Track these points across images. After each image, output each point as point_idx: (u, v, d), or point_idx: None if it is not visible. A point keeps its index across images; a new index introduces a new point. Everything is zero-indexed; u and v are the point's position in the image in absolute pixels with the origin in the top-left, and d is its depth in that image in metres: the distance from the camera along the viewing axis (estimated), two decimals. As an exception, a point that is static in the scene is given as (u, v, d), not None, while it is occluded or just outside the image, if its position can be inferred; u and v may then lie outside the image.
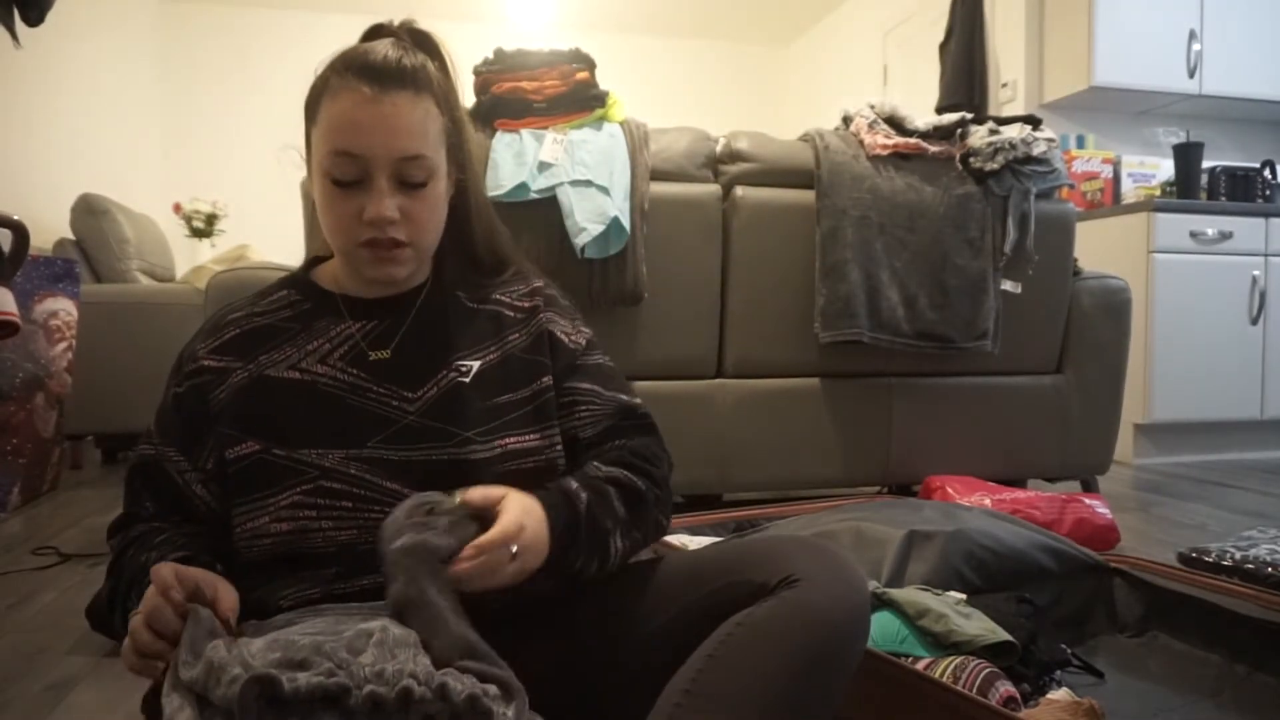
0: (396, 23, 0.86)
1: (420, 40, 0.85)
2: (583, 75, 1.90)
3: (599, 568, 0.78)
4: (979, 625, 1.08)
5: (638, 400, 0.90)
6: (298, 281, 0.88)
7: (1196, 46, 3.41)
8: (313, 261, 0.92)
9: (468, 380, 0.82)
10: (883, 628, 1.09)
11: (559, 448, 0.84)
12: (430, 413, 0.80)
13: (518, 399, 0.83)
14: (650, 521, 0.83)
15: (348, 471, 0.76)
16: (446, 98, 0.82)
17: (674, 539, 1.44)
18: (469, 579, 0.66)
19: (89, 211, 3.18)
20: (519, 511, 0.70)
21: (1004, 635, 1.06)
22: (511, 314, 0.88)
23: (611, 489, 0.80)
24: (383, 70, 0.77)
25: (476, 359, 0.84)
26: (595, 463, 0.83)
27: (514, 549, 0.68)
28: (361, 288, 0.85)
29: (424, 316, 0.85)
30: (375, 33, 0.85)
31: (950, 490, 1.92)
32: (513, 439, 0.81)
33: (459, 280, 0.89)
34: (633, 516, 0.80)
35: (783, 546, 0.76)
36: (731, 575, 0.74)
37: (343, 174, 0.76)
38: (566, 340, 0.89)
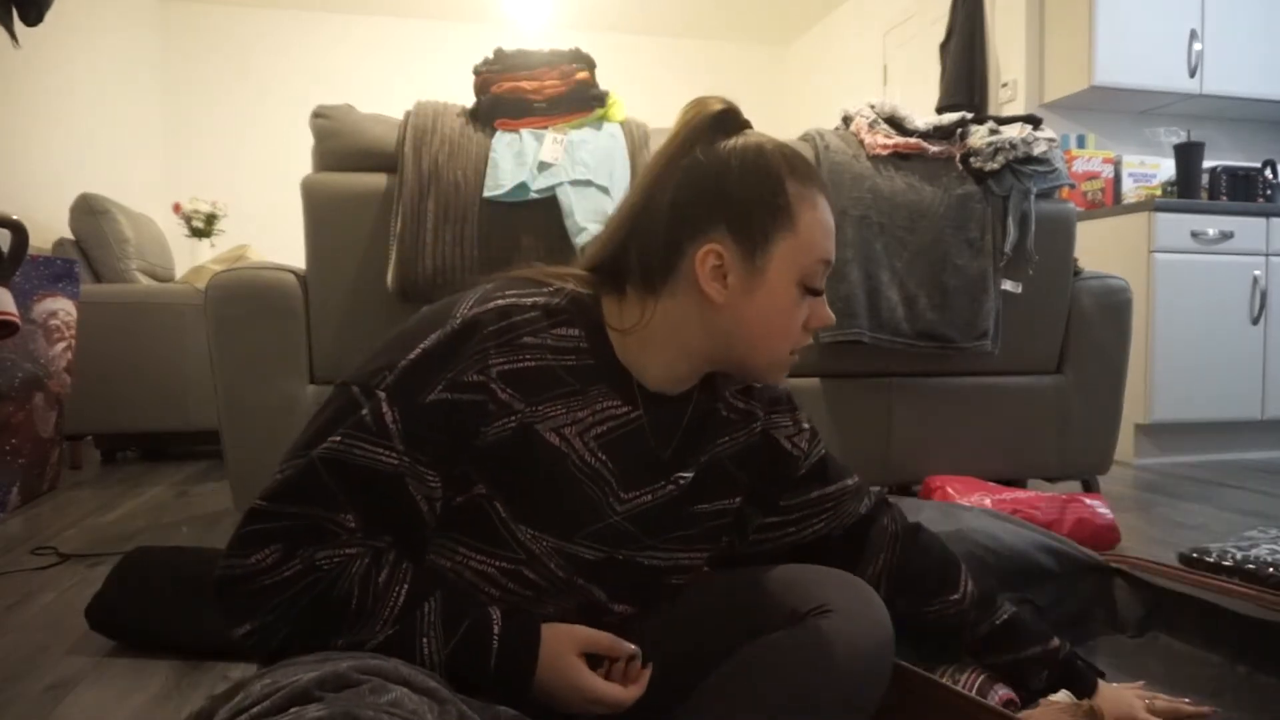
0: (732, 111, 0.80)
1: None
2: (583, 75, 1.90)
3: None
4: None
5: (853, 480, 0.90)
6: (592, 328, 0.74)
7: (1197, 46, 3.41)
8: (598, 291, 0.77)
9: (679, 493, 0.79)
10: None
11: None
12: (635, 519, 0.76)
13: (704, 511, 0.81)
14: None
15: (548, 565, 0.72)
16: None
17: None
18: None
19: (89, 211, 3.18)
20: None
21: None
22: (725, 414, 0.83)
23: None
24: (824, 182, 0.78)
25: (694, 468, 0.80)
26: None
27: None
28: (652, 378, 0.76)
29: (687, 420, 0.80)
30: (735, 123, 0.78)
31: (950, 490, 1.92)
32: (686, 553, 0.80)
33: (709, 381, 0.83)
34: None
35: (812, 575, 0.77)
36: (764, 599, 0.75)
37: (818, 282, 0.75)
38: (791, 448, 0.86)
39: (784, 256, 0.72)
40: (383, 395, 0.65)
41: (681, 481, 0.78)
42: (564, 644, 0.68)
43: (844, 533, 0.88)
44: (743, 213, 0.72)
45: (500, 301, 0.71)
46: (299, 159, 2.10)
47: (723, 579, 0.82)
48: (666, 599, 0.82)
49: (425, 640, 0.65)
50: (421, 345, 0.67)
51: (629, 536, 0.76)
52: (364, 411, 0.65)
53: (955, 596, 0.88)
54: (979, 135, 2.05)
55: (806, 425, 0.89)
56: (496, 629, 0.67)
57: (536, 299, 0.72)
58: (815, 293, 0.75)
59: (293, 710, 0.51)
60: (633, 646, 0.72)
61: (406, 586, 0.66)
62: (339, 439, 0.64)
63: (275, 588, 0.63)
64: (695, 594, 0.81)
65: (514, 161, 1.80)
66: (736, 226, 0.71)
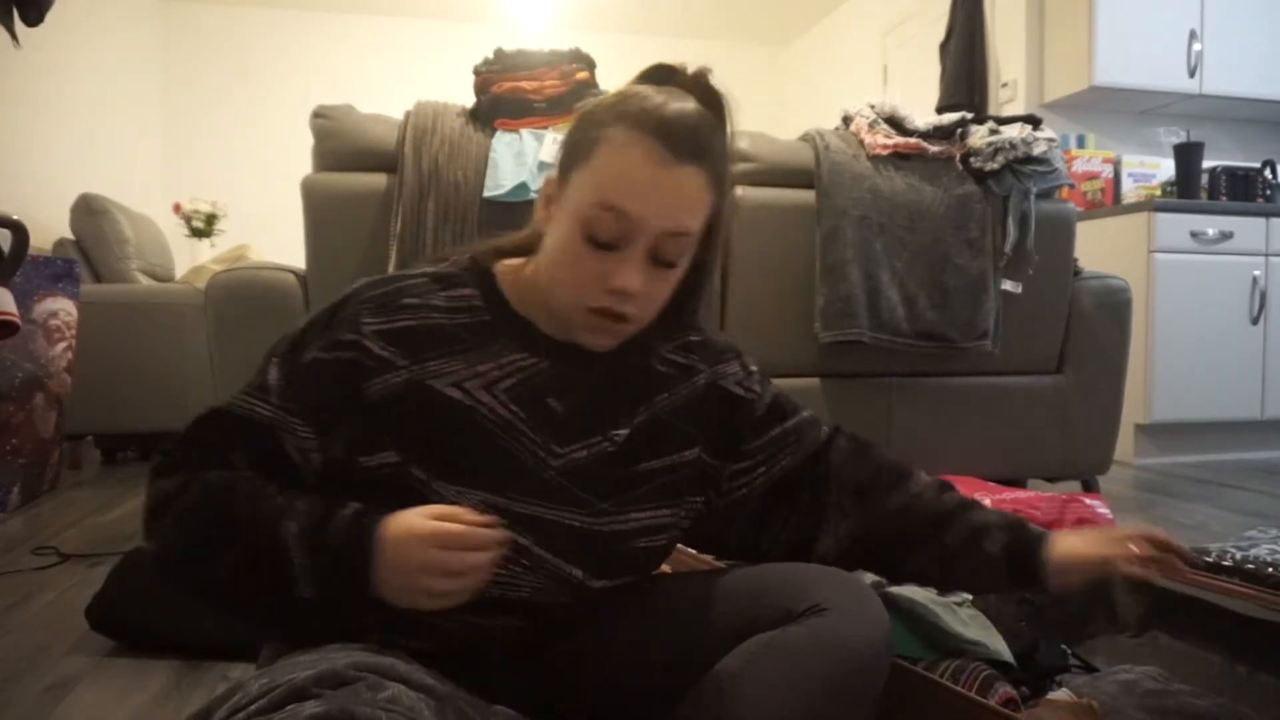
0: (691, 70, 0.77)
1: (710, 100, 0.76)
2: (583, 75, 1.90)
3: None
4: (977, 634, 1.07)
5: (808, 412, 0.89)
6: (484, 284, 0.78)
7: (1197, 46, 3.41)
8: (494, 253, 0.81)
9: (615, 450, 0.77)
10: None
11: (685, 523, 0.83)
12: (572, 474, 0.75)
13: (656, 468, 0.79)
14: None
15: None
16: (724, 173, 0.75)
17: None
18: None
19: (89, 211, 3.18)
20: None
21: (1004, 654, 1.05)
22: (663, 369, 0.82)
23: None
24: (681, 136, 0.69)
25: (628, 425, 0.79)
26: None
27: None
28: (554, 327, 0.78)
29: (605, 373, 0.79)
30: (666, 75, 0.77)
31: (950, 490, 1.92)
32: (643, 513, 0.78)
33: (636, 337, 0.81)
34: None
35: (810, 574, 0.76)
36: (758, 598, 0.74)
37: (604, 231, 0.69)
38: (744, 392, 0.85)
39: (574, 192, 0.71)
40: (275, 361, 0.74)
41: (617, 438, 0.78)
42: (410, 511, 0.66)
43: (804, 462, 0.86)
44: (568, 146, 0.74)
45: (387, 275, 0.77)
46: (299, 159, 2.10)
47: (714, 579, 0.82)
48: (644, 570, 0.81)
49: (290, 523, 0.66)
50: (310, 317, 0.76)
51: (574, 499, 0.75)
52: (258, 378, 0.74)
53: (915, 488, 0.86)
54: (979, 135, 2.05)
55: (754, 368, 0.89)
56: (350, 505, 0.68)
57: (427, 269, 0.78)
58: (602, 244, 0.69)
59: (290, 707, 0.51)
60: (486, 516, 0.67)
61: (290, 495, 0.69)
62: (234, 398, 0.73)
63: (180, 509, 0.69)
64: (686, 595, 0.81)
65: (514, 161, 1.80)
66: (561, 159, 0.75)
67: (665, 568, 0.96)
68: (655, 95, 0.72)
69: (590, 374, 0.78)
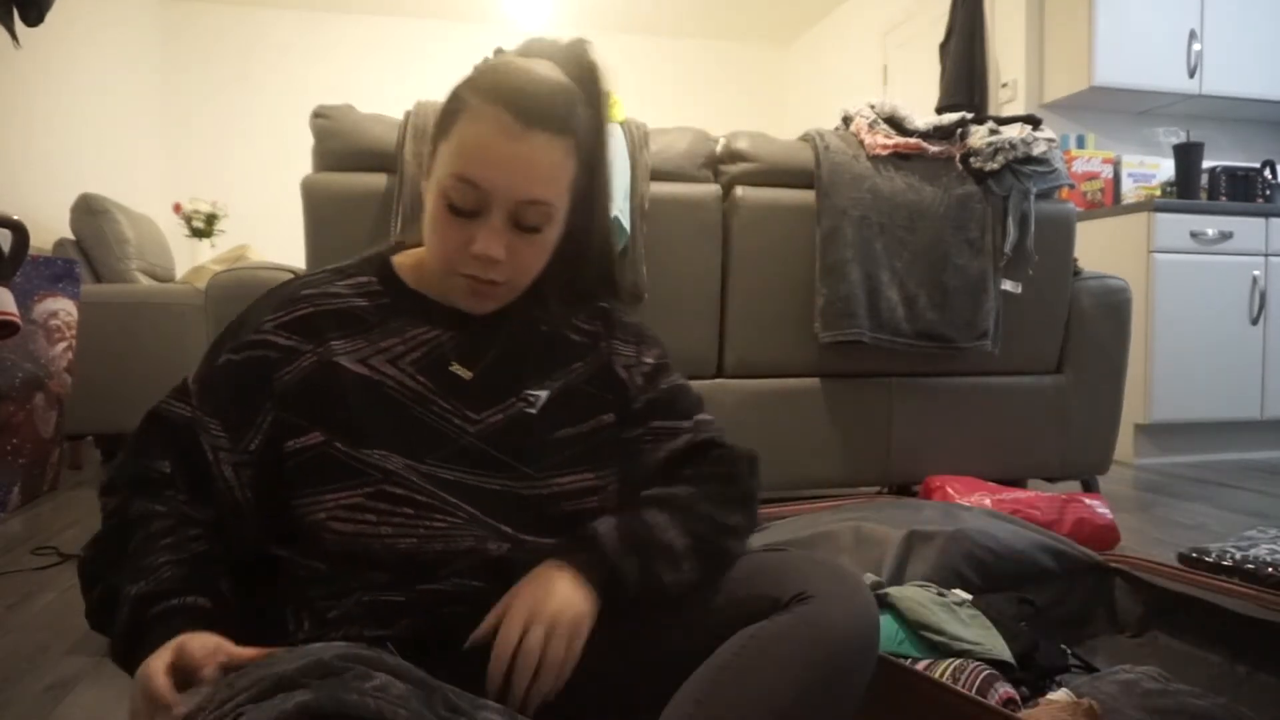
0: (565, 40, 0.80)
1: (582, 72, 0.79)
2: (583, 75, 1.90)
3: (676, 570, 0.74)
4: (977, 635, 1.07)
5: (704, 417, 0.87)
6: (381, 270, 0.83)
7: (1196, 46, 3.41)
8: (397, 247, 0.86)
9: (534, 412, 0.79)
10: (882, 629, 1.08)
11: (614, 485, 0.82)
12: (490, 439, 0.77)
13: (575, 434, 0.80)
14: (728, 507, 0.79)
15: (409, 478, 0.73)
16: (590, 141, 0.78)
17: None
18: (537, 695, 0.68)
19: (89, 211, 3.18)
20: (504, 608, 0.69)
21: (1004, 654, 1.05)
22: (576, 338, 0.85)
23: (652, 505, 0.77)
24: (532, 106, 0.72)
25: (544, 389, 0.80)
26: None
27: (535, 628, 0.67)
28: (455, 299, 0.81)
29: (510, 339, 0.82)
30: (538, 48, 0.80)
31: (950, 490, 1.92)
32: (566, 478, 0.78)
33: (540, 303, 0.84)
34: (686, 515, 0.77)
35: (796, 563, 0.76)
36: (745, 589, 0.74)
37: (460, 201, 0.72)
38: (627, 377, 0.86)
39: (440, 163, 0.75)
40: (199, 367, 0.80)
41: (532, 398, 0.79)
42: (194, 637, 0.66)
43: (656, 466, 0.84)
44: (437, 118, 0.77)
45: (293, 276, 0.83)
46: (299, 159, 2.10)
47: None
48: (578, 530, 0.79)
49: (138, 585, 0.69)
50: (227, 324, 0.81)
51: (495, 463, 0.76)
52: (182, 381, 0.80)
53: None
54: (979, 135, 2.05)
55: (650, 360, 0.87)
56: (193, 598, 0.69)
57: (328, 267, 0.84)
58: (463, 213, 0.73)
59: (278, 696, 0.52)
60: (226, 660, 0.63)
61: (177, 557, 0.71)
62: (162, 400, 0.79)
63: (108, 530, 0.76)
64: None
65: (514, 161, 1.80)
66: (432, 132, 0.78)
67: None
68: (514, 66, 0.75)
69: (496, 342, 0.81)
